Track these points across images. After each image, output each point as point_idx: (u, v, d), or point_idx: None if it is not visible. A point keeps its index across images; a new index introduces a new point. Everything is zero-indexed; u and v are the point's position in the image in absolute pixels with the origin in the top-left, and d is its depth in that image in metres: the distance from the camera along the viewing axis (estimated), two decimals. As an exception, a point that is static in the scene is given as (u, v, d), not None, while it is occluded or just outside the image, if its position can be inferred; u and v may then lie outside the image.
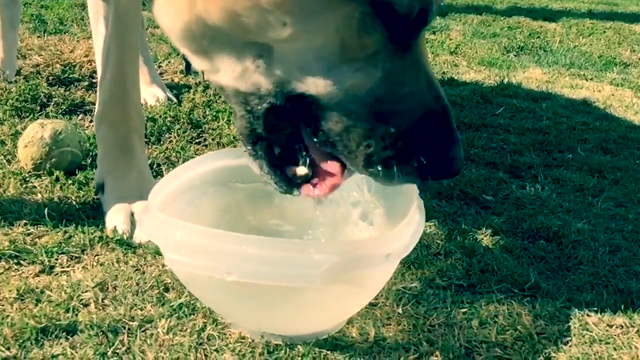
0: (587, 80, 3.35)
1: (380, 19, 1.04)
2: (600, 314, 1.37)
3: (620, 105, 2.93)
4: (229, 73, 1.13)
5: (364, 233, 1.35)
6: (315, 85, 1.09)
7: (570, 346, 1.27)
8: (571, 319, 1.35)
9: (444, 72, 3.28)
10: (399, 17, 1.05)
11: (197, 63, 1.18)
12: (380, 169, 1.13)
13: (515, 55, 3.83)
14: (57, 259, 1.43)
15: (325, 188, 1.18)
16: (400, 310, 1.33)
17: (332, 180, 1.18)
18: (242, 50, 1.10)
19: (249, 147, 1.20)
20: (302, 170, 1.20)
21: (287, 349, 1.19)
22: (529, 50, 3.95)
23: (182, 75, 2.77)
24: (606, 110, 2.85)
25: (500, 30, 4.45)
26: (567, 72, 3.47)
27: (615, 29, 4.74)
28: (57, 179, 1.74)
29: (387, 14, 1.04)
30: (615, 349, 1.27)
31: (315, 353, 1.20)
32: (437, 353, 1.21)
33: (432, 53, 3.65)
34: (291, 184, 1.20)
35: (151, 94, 2.43)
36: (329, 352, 1.20)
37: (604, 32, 4.64)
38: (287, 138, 1.19)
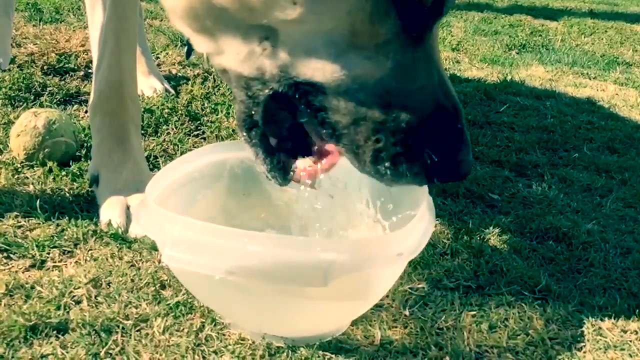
0: (590, 79, 3.31)
1: (394, 6, 0.99)
2: (614, 318, 1.32)
3: (624, 105, 2.88)
4: (234, 55, 1.08)
5: (372, 231, 1.30)
6: (323, 71, 1.03)
7: (584, 352, 1.22)
8: (584, 323, 1.30)
9: (445, 69, 3.22)
10: (414, 3, 0.99)
11: (200, 44, 1.12)
12: (387, 166, 1.07)
13: (518, 53, 3.78)
14: (48, 253, 1.37)
15: (320, 168, 1.13)
16: (407, 312, 1.27)
17: (329, 159, 1.13)
18: (247, 31, 1.05)
19: (244, 134, 1.15)
20: (302, 163, 1.15)
21: (290, 352, 1.14)
22: (531, 48, 3.90)
23: (180, 67, 2.71)
24: (611, 109, 2.81)
25: (501, 28, 4.39)
26: (570, 71, 3.42)
27: (617, 29, 4.70)
28: (50, 170, 1.68)
29: (401, 1, 0.99)
30: (630, 356, 1.22)
31: (318, 356, 1.14)
32: (447, 358, 1.16)
33: (434, 49, 3.60)
34: (286, 175, 1.15)
35: (148, 85, 2.37)
36: (333, 355, 1.15)
37: (606, 31, 4.60)
38: (285, 129, 1.14)
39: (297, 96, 1.07)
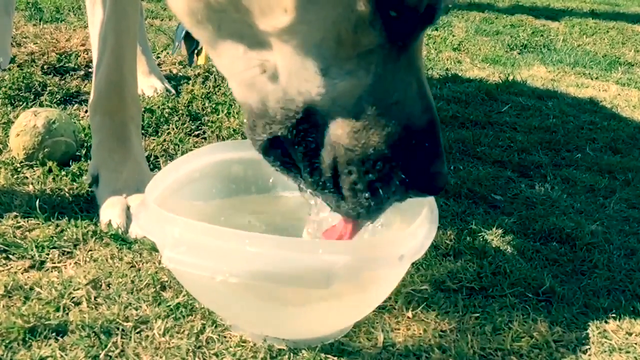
0: (592, 79, 3.30)
1: (380, 15, 0.96)
2: (619, 320, 1.31)
3: (627, 105, 2.87)
4: (236, 77, 1.06)
5: (375, 233, 1.28)
6: (316, 89, 1.00)
7: (589, 355, 1.21)
8: (589, 326, 1.28)
9: (447, 69, 3.22)
10: (406, 10, 0.96)
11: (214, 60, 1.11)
12: (367, 197, 1.03)
13: (519, 53, 3.76)
14: (47, 254, 1.36)
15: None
16: (409, 315, 1.26)
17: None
18: (246, 50, 1.03)
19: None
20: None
21: (291, 354, 1.13)
22: (532, 49, 3.89)
23: (181, 67, 2.70)
24: (613, 109, 2.79)
25: (503, 28, 4.38)
26: (572, 71, 3.41)
27: (619, 29, 4.69)
28: (50, 170, 1.67)
29: (392, 7, 0.95)
30: (636, 359, 1.21)
31: (320, 359, 1.13)
32: (451, 361, 1.15)
33: (435, 49, 3.59)
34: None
35: (149, 85, 2.36)
36: (335, 357, 1.14)
37: (607, 31, 4.59)
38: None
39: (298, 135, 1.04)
